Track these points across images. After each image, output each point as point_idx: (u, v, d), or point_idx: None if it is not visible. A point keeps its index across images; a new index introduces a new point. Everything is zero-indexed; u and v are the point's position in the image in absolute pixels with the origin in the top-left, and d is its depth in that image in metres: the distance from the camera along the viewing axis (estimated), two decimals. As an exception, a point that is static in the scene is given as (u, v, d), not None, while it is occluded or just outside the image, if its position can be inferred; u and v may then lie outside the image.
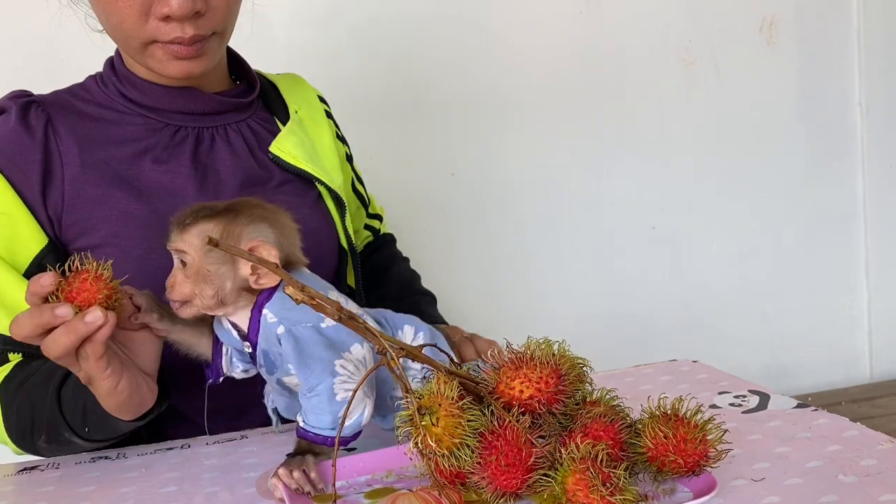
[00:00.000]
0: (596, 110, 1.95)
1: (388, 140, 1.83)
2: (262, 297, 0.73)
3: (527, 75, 1.91)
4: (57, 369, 0.84)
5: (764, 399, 0.87)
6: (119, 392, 0.74)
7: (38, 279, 0.70)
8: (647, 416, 0.66)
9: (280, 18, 1.74)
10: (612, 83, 1.96)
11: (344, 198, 1.08)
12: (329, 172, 1.08)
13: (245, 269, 0.71)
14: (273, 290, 0.73)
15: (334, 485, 0.67)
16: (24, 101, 0.94)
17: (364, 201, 1.22)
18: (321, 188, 1.05)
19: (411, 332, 0.82)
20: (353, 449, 0.82)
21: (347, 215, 1.08)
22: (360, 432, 0.75)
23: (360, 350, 0.75)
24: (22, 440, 0.87)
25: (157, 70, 0.93)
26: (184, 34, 0.88)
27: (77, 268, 0.71)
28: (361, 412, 0.73)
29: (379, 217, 1.29)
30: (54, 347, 0.69)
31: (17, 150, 0.91)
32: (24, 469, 0.85)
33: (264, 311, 0.73)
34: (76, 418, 0.82)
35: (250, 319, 0.74)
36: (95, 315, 0.68)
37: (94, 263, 0.71)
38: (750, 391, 0.90)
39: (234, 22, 0.96)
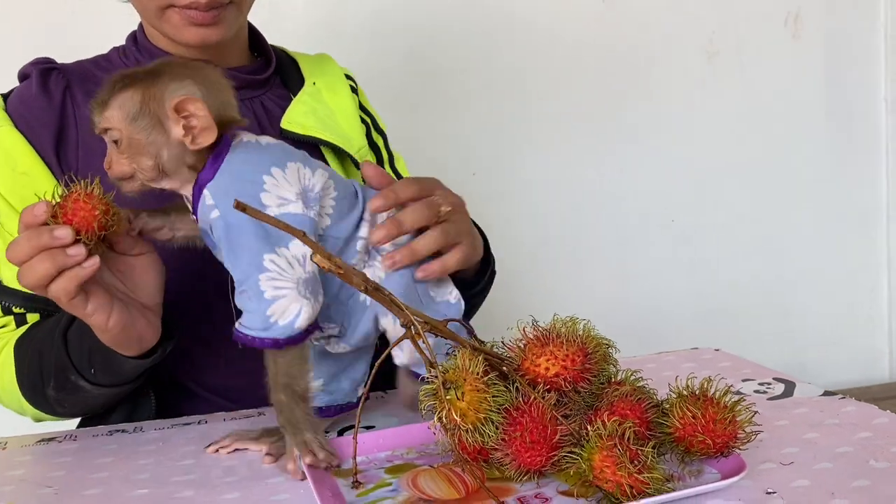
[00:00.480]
0: (618, 100, 1.93)
1: (406, 127, 1.81)
2: (204, 175, 0.69)
3: (549, 63, 1.89)
4: (58, 322, 0.84)
5: (790, 387, 0.86)
6: (111, 329, 0.73)
7: (31, 209, 0.68)
8: (674, 395, 0.64)
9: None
10: (635, 73, 1.94)
11: (360, 160, 1.04)
12: (349, 137, 1.06)
13: (177, 129, 0.67)
14: (217, 164, 0.69)
15: (354, 458, 0.66)
16: (45, 68, 0.96)
17: None
18: (326, 153, 1.02)
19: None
20: (356, 404, 0.81)
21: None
22: (299, 337, 0.69)
23: (299, 247, 0.68)
24: (33, 393, 0.87)
25: (172, 36, 0.93)
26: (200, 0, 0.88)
27: (65, 192, 0.69)
28: (296, 315, 0.67)
29: None
30: (30, 274, 0.67)
31: (34, 113, 0.93)
32: (42, 440, 0.84)
33: (205, 191, 0.69)
34: (83, 360, 0.82)
35: (192, 196, 0.70)
36: (78, 249, 0.67)
37: (83, 182, 0.69)
38: (775, 379, 0.89)
39: None
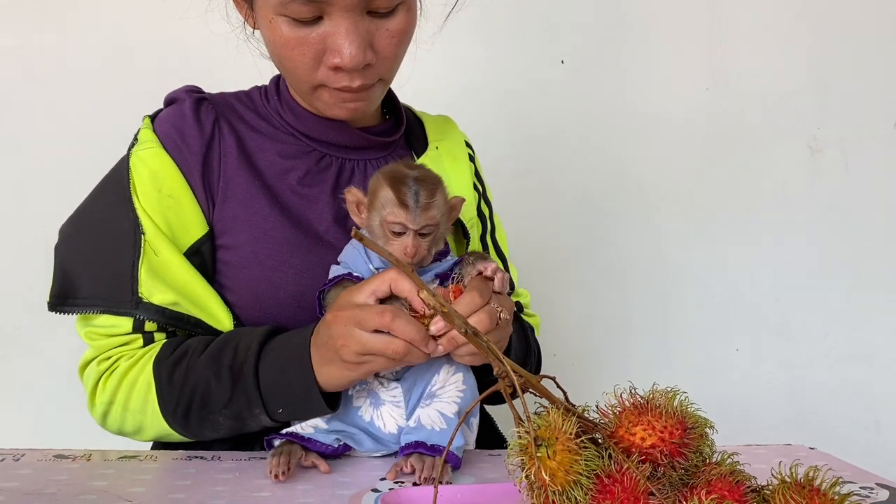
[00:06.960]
0: (715, 189, 1.91)
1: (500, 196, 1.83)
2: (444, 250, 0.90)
3: (646, 146, 1.89)
4: (223, 353, 0.87)
5: (894, 494, 0.80)
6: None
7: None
8: (777, 481, 0.61)
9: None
10: (735, 163, 1.91)
11: (469, 230, 1.06)
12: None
13: (449, 219, 0.88)
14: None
15: (434, 509, 0.65)
16: (198, 97, 1.01)
17: None
18: None
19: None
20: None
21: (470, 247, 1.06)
22: None
23: None
24: (184, 418, 0.89)
25: (322, 111, 0.98)
26: (352, 84, 0.91)
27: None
28: None
29: (519, 306, 1.16)
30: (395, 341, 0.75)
31: (185, 139, 0.97)
32: (124, 457, 0.86)
33: (449, 257, 0.89)
34: (274, 400, 0.85)
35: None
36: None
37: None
38: (878, 484, 0.83)
39: (398, 68, 0.99)
